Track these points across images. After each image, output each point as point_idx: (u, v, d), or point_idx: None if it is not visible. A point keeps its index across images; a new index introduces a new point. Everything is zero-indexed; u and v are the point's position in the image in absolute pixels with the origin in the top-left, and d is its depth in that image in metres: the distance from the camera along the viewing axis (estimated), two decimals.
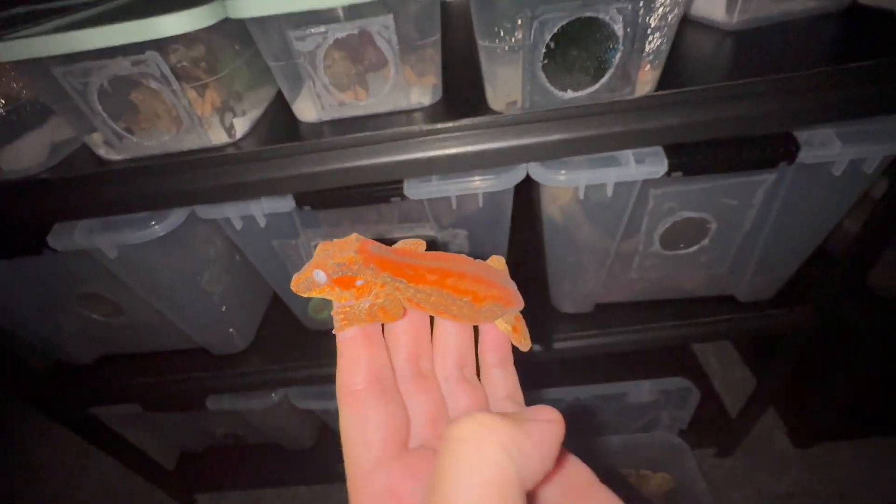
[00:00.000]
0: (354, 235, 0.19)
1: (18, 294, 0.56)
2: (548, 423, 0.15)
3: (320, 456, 0.96)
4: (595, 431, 0.70)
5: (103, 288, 0.56)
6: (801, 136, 0.42)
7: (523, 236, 0.79)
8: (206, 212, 0.48)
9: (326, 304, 0.65)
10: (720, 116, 0.40)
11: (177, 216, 0.48)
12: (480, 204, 0.47)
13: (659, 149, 0.44)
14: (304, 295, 0.19)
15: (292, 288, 0.19)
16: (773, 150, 0.42)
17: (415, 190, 0.46)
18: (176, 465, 0.97)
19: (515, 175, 0.45)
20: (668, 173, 0.43)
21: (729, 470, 0.88)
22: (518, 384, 0.22)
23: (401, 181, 0.46)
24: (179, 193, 0.44)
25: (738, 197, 0.49)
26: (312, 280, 0.18)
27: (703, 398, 0.80)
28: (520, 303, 0.22)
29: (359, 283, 0.18)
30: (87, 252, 0.48)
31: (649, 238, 0.54)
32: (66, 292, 0.56)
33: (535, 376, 0.82)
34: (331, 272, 0.18)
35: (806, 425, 0.89)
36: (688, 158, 0.43)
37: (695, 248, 0.55)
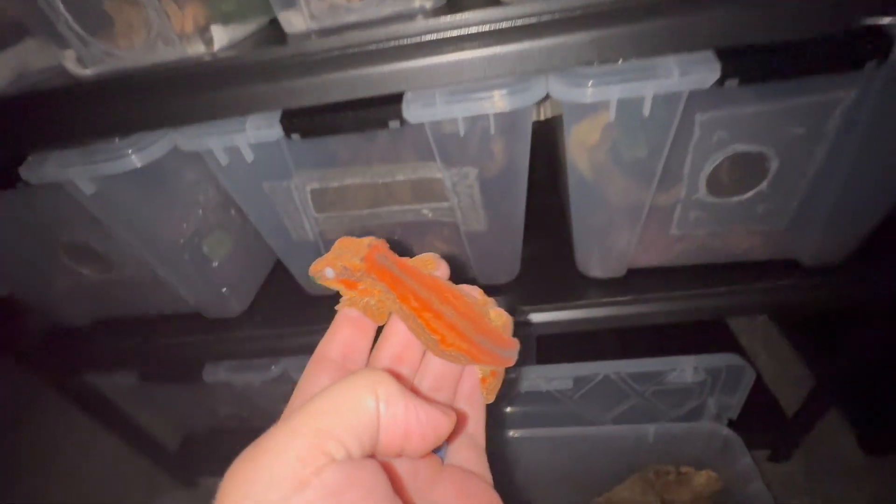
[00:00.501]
0: (369, 239, 0.21)
1: (3, 242, 0.53)
2: (433, 408, 0.16)
3: None
4: (626, 418, 0.60)
5: (88, 236, 0.52)
6: (894, 30, 0.34)
7: (544, 189, 0.72)
8: (188, 143, 0.43)
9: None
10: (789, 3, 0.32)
11: (157, 148, 0.43)
12: (492, 130, 0.41)
13: (708, 52, 0.36)
14: (318, 283, 0.22)
15: (310, 272, 0.21)
16: (858, 45, 0.33)
17: (416, 112, 0.39)
18: (179, 447, 0.94)
19: (533, 91, 0.38)
20: (721, 81, 0.35)
21: (785, 476, 0.77)
22: (482, 425, 0.23)
23: (399, 102, 0.40)
24: (154, 112, 0.40)
25: (806, 123, 0.40)
26: (324, 274, 0.21)
27: (753, 391, 0.70)
28: (503, 361, 0.22)
29: (361, 287, 0.21)
30: (64, 189, 0.45)
31: (694, 181, 0.46)
32: (51, 240, 0.53)
33: (557, 350, 0.74)
34: (338, 273, 0.21)
35: (878, 429, 0.77)
36: (746, 61, 0.35)
37: (750, 193, 0.46)
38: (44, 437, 1.06)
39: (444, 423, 0.16)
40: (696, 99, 0.38)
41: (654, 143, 0.42)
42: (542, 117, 0.84)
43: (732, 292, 0.52)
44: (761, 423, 0.73)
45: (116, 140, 0.44)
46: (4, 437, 1.08)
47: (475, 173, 0.46)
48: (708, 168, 0.45)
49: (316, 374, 0.20)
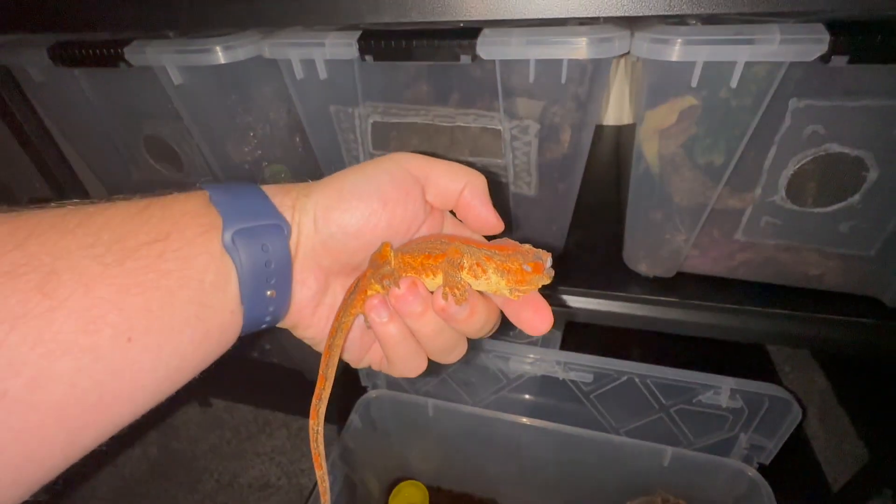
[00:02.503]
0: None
1: (96, 123, 0.59)
2: (491, 215, 0.27)
3: (337, 399, 0.91)
4: (643, 434, 0.56)
5: (167, 130, 0.57)
6: None
7: (605, 191, 0.69)
8: (271, 50, 0.46)
9: None
10: None
11: (243, 50, 0.46)
12: (563, 79, 0.39)
13: (817, 24, 0.33)
14: None
15: None
16: None
17: (489, 49, 0.39)
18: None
19: (615, 44, 0.36)
20: (827, 57, 0.32)
21: None
22: None
23: (475, 37, 0.40)
24: (245, 11, 0.43)
25: None
26: None
27: (794, 447, 0.62)
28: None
29: None
30: (157, 78, 0.49)
31: (773, 181, 0.42)
32: (137, 132, 0.58)
33: (584, 344, 0.69)
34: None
35: None
36: (860, 38, 0.31)
37: (838, 205, 0.41)
38: None
39: (494, 226, 0.27)
40: (794, 78, 0.35)
41: (736, 125, 0.39)
42: (617, 122, 0.82)
43: (793, 318, 0.47)
44: (799, 486, 0.65)
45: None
46: None
47: (536, 129, 0.45)
48: (792, 167, 0.41)
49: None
